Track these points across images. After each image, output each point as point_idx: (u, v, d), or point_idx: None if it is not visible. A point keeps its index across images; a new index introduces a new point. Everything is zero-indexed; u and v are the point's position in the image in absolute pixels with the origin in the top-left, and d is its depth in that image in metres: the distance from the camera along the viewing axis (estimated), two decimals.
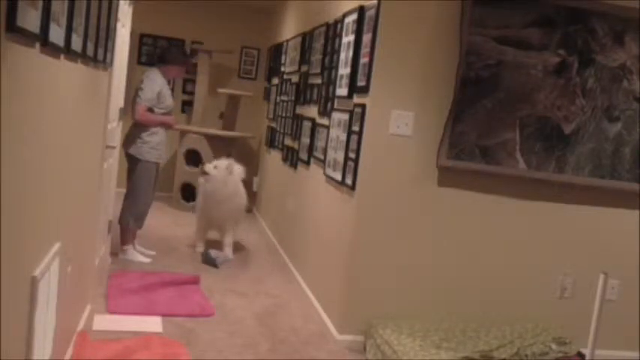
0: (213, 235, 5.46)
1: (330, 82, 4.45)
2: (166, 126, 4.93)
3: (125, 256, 4.86)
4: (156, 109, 4.82)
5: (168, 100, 4.93)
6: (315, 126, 4.84)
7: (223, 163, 5.26)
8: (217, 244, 5.35)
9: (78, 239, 2.82)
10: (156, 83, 4.83)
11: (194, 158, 6.94)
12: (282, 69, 6.54)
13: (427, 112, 3.64)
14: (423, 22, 3.58)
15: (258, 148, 7.88)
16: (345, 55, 4.06)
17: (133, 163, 4.82)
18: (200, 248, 5.33)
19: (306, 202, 4.99)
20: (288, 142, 5.87)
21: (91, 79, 2.75)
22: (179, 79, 7.69)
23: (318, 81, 4.88)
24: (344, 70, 4.06)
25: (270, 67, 7.42)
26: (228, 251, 5.28)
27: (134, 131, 4.82)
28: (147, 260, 4.87)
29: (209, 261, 5.04)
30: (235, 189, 5.30)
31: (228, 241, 5.32)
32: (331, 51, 4.57)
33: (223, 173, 5.19)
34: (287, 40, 6.48)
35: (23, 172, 1.65)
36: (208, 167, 5.22)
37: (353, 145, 3.76)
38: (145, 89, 4.78)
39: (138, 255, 4.90)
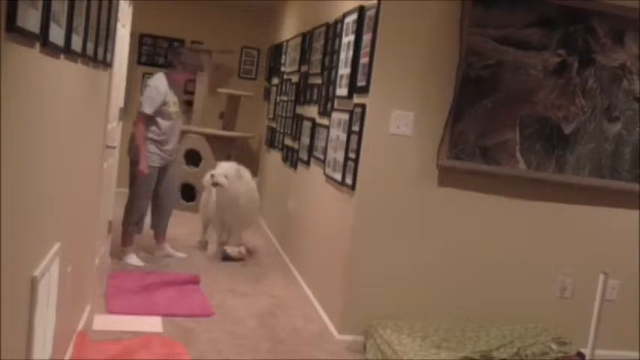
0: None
1: (330, 82, 4.45)
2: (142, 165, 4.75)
3: (124, 258, 4.83)
4: (159, 120, 4.75)
5: (172, 108, 4.83)
6: (315, 126, 4.84)
7: (230, 169, 5.15)
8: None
9: (78, 239, 2.82)
10: (159, 92, 4.74)
11: (194, 158, 6.93)
12: (282, 69, 6.54)
13: (427, 112, 3.64)
14: (423, 22, 3.58)
15: (258, 148, 7.88)
16: (345, 55, 4.06)
17: (132, 167, 4.80)
18: (212, 249, 5.31)
19: (306, 202, 4.99)
20: (288, 142, 5.86)
21: (91, 79, 2.75)
22: None
23: (318, 81, 4.88)
24: (344, 70, 4.06)
25: (270, 67, 7.42)
26: (230, 251, 5.28)
27: (134, 137, 4.82)
28: (140, 264, 4.81)
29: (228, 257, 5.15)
30: (252, 195, 5.33)
31: (234, 242, 5.32)
32: (331, 51, 4.56)
33: (235, 181, 5.13)
34: (287, 40, 6.48)
35: (23, 172, 1.65)
36: (220, 179, 5.05)
37: (353, 145, 3.76)
38: (145, 98, 4.73)
39: (133, 258, 4.85)
